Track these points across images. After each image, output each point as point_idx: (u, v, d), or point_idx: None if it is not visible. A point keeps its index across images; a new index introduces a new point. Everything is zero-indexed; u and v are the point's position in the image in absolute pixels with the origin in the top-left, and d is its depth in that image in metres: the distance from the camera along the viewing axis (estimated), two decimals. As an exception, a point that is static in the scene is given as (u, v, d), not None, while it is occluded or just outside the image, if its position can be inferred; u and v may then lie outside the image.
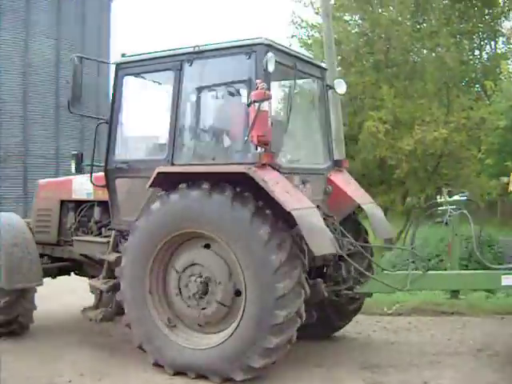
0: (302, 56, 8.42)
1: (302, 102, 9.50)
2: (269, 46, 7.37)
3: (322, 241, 6.82)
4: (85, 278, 9.52)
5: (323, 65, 9.06)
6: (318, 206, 7.57)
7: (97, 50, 27.93)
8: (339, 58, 19.08)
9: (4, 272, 8.70)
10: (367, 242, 8.57)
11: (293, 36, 25.69)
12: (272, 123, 7.08)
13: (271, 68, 7.05)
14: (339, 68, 18.20)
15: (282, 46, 7.89)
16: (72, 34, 27.97)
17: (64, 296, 11.71)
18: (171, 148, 7.66)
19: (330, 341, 8.97)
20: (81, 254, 9.09)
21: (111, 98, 8.43)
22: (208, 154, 7.82)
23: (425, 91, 20.12)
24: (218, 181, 6.99)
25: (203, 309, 7.24)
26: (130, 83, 8.34)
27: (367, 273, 7.84)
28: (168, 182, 7.36)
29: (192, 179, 7.17)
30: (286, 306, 6.61)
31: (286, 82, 8.70)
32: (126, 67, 8.30)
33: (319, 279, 7.62)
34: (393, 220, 20.60)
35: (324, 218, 7.38)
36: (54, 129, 27.52)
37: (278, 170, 7.19)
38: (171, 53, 7.94)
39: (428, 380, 7.08)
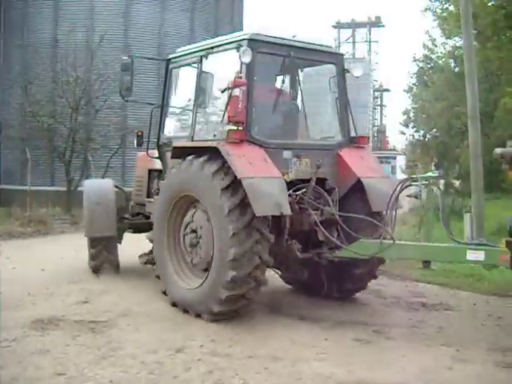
0: (305, 45, 9.52)
1: (312, 86, 10.78)
2: (252, 40, 8.78)
3: (264, 203, 7.97)
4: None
5: (335, 51, 9.90)
6: (324, 178, 9.27)
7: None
8: (475, 32, 18.56)
9: (86, 224, 11.58)
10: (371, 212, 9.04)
11: (426, 9, 25.24)
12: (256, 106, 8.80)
13: (245, 60, 8.48)
14: (475, 43, 17.72)
15: (276, 38, 9.22)
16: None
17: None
18: (192, 127, 9.60)
19: (460, 319, 8.96)
20: (149, 212, 10.87)
21: (162, 87, 10.70)
22: (212, 132, 9.31)
23: None
24: (209, 154, 8.56)
25: (193, 257, 8.97)
26: (174, 74, 10.61)
27: (333, 239, 8.84)
28: (184, 154, 9.00)
29: (193, 152, 8.84)
30: (237, 268, 7.95)
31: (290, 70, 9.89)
32: (173, 62, 10.55)
33: (293, 240, 8.84)
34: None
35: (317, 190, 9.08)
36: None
37: (261, 146, 8.68)
38: (196, 49, 9.97)
39: None
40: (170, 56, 10.68)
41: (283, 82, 9.98)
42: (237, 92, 8.53)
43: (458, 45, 25.83)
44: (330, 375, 6.42)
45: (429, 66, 29.65)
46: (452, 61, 27.10)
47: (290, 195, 8.66)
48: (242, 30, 31.66)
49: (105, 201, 11.50)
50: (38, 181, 24.80)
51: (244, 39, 8.87)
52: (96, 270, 11.62)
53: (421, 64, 30.20)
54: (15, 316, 8.44)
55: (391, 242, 8.35)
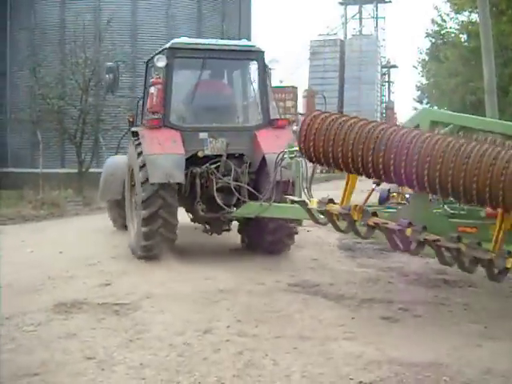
0: (222, 47, 11.94)
1: (237, 79, 12.82)
2: (171, 48, 11.32)
3: (158, 174, 10.40)
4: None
5: (256, 48, 11.95)
6: (241, 154, 11.36)
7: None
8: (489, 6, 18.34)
9: (99, 191, 14.19)
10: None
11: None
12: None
13: (159, 64, 10.99)
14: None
15: (194, 44, 12.07)
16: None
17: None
18: (140, 116, 12.83)
19: (485, 296, 8.90)
20: None
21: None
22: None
23: None
24: (138, 137, 11.13)
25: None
26: (148, 73, 12.68)
27: (220, 202, 11.00)
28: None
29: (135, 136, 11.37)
30: (147, 225, 10.52)
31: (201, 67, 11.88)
32: (148, 63, 12.69)
33: (199, 203, 11.14)
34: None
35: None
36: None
37: (178, 129, 11.04)
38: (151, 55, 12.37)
39: None
40: (147, 59, 12.91)
41: (207, 77, 12.29)
42: (152, 90, 11.26)
43: (470, 19, 25.70)
44: (361, 354, 6.36)
45: (441, 41, 29.43)
46: (464, 35, 26.89)
47: (206, 168, 11.10)
48: (249, 15, 31.73)
49: (118, 172, 13.29)
50: (49, 163, 24.87)
51: (165, 48, 11.43)
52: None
53: (433, 39, 30.00)
54: (37, 300, 8.43)
55: (269, 204, 10.15)
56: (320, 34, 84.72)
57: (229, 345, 6.66)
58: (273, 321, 7.62)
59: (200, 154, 11.18)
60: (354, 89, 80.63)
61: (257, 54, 11.90)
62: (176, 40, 11.86)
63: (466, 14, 26.73)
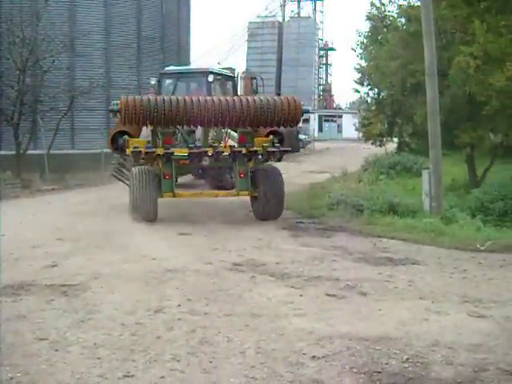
0: (197, 70, 18.86)
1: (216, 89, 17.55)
2: (161, 74, 18.00)
3: None
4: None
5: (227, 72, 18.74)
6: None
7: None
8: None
9: None
10: None
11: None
12: None
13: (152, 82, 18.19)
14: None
15: (180, 70, 19.47)
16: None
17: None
18: None
19: (430, 275, 9.10)
20: None
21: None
22: None
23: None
24: None
25: None
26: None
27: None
28: None
29: None
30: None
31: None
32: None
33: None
34: (479, 157, 20.43)
35: None
36: (135, 61, 27.98)
37: None
38: None
39: (533, 316, 7.12)
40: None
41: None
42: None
43: (409, 2, 26.16)
44: (312, 330, 6.48)
45: (382, 24, 29.80)
46: (403, 19, 27.27)
47: None
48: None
49: None
50: (-16, 145, 24.35)
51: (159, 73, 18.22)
52: None
53: (373, 23, 30.36)
54: (-17, 282, 8.31)
55: None
56: (258, 16, 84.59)
57: (181, 323, 6.70)
58: (222, 299, 7.70)
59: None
60: (291, 71, 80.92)
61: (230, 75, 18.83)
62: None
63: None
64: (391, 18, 29.58)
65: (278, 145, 14.33)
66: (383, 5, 29.78)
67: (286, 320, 6.88)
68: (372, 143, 33.80)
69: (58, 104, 24.24)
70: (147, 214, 13.07)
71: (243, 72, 77.78)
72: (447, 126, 18.22)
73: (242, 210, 14.90)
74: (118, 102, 13.17)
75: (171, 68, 19.72)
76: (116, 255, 9.97)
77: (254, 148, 14.02)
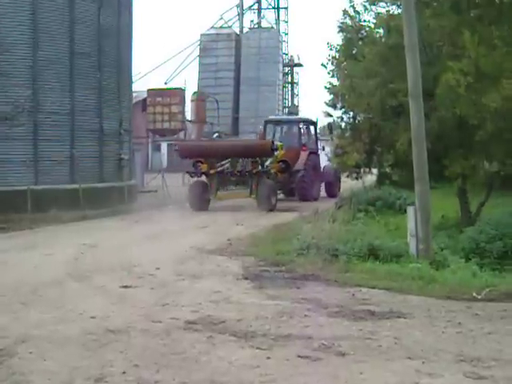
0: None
1: None
2: (265, 121, 38.00)
3: None
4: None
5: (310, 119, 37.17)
6: None
7: None
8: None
9: None
10: None
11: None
12: None
13: (260, 127, 40.14)
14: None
15: (278, 118, 40.94)
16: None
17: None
18: None
19: (419, 330, 9.19)
20: None
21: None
22: None
23: (514, 38, 19.88)
24: None
25: None
26: None
27: None
28: None
29: None
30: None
31: None
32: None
33: None
34: (474, 190, 20.68)
35: None
36: (68, 80, 27.93)
37: None
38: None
39: (540, 376, 7.22)
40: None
41: None
42: None
43: (387, 11, 26.43)
44: (283, 399, 6.53)
45: (357, 36, 30.05)
46: (381, 30, 27.52)
47: None
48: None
49: None
50: None
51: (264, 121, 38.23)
52: None
53: (348, 34, 30.57)
54: None
55: None
56: (212, 27, 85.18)
57: (127, 394, 6.70)
58: (176, 364, 7.70)
59: None
60: (251, 91, 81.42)
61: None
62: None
63: (383, 5, 27.59)
64: (367, 29, 29.85)
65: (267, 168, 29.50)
66: (358, 13, 30.01)
67: (253, 388, 6.91)
68: (347, 176, 34.14)
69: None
70: (200, 206, 28.29)
71: (194, 93, 78.63)
72: (435, 155, 18.40)
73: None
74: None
75: (272, 117, 38.93)
76: (47, 313, 9.91)
77: (254, 170, 28.72)
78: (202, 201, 28.45)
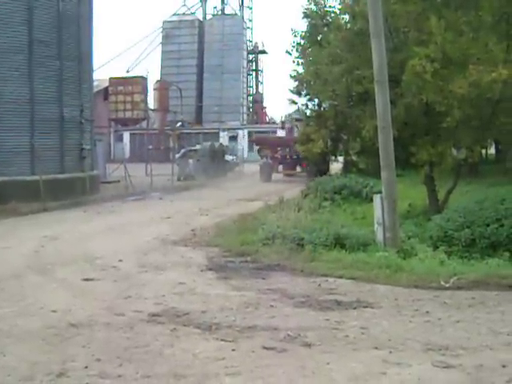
0: None
1: None
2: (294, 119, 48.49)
3: None
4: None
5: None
6: None
7: None
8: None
9: None
10: None
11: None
12: None
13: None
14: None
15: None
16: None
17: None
18: None
19: (386, 320, 9.23)
20: None
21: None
22: None
23: (480, 23, 19.93)
24: None
25: None
26: None
27: None
28: None
29: None
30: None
31: None
32: None
33: None
34: (441, 177, 20.78)
35: None
36: (26, 69, 27.64)
37: None
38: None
39: (507, 363, 7.28)
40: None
41: None
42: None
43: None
44: (246, 391, 6.52)
45: (322, 22, 30.06)
46: (347, 16, 27.53)
47: None
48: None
49: None
50: None
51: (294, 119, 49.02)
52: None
53: (313, 21, 30.59)
54: None
55: None
56: (175, 14, 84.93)
57: (89, 389, 6.66)
58: (139, 358, 7.67)
59: None
60: (215, 79, 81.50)
61: None
62: None
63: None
64: (333, 15, 29.86)
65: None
66: (323, -1, 30.12)
67: (217, 380, 6.93)
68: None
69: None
70: (267, 179, 42.61)
71: (157, 81, 78.76)
72: (401, 142, 18.45)
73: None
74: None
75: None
76: (6, 308, 9.83)
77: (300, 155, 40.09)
78: (268, 175, 43.58)
